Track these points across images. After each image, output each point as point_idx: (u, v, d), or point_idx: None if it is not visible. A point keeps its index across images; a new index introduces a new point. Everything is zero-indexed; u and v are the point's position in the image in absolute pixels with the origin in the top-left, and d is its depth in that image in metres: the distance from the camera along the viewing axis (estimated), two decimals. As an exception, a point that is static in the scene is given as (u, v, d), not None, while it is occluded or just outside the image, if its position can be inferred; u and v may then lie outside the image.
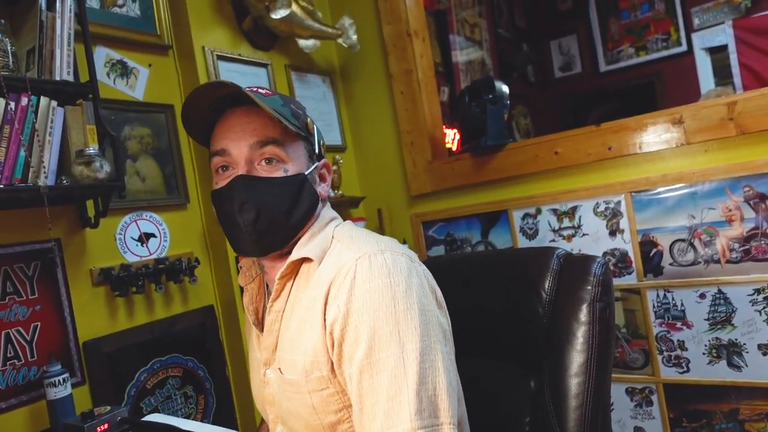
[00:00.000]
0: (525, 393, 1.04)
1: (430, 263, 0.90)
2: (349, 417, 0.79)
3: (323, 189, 0.91)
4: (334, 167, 2.12)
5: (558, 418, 0.97)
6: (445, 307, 0.84)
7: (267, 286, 0.96)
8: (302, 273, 0.86)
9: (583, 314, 0.99)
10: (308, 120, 0.89)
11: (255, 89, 0.85)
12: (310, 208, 0.87)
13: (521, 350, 1.07)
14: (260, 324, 0.94)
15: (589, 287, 0.99)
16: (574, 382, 0.96)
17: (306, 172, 0.86)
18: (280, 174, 0.83)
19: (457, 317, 0.91)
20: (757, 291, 1.57)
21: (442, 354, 0.74)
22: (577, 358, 0.97)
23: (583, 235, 1.84)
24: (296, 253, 0.85)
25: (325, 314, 0.77)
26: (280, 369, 0.85)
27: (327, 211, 0.92)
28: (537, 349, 1.04)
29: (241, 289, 0.99)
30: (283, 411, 0.87)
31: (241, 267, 0.97)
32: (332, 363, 0.77)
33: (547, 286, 1.03)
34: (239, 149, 0.83)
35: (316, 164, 0.89)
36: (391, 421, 0.68)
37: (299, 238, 0.87)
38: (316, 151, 0.90)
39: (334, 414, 0.79)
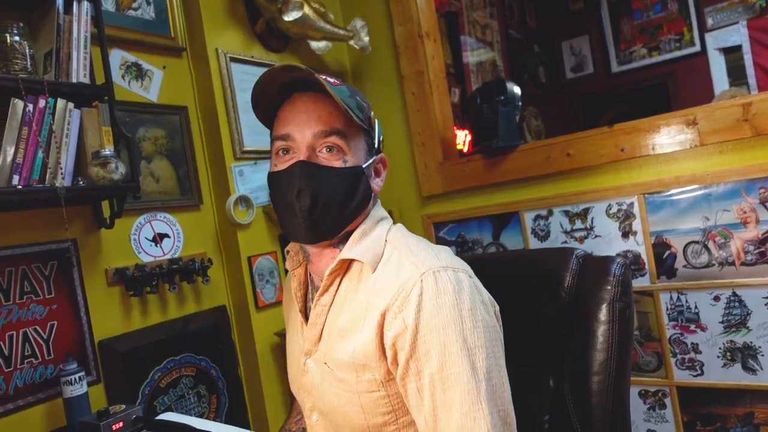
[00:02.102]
0: (544, 392, 1.04)
1: None
2: (396, 420, 0.81)
3: (377, 184, 0.92)
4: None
5: (579, 417, 0.99)
6: (500, 316, 0.85)
7: (309, 275, 0.96)
8: (353, 272, 0.87)
9: (603, 314, 1.00)
10: (371, 114, 0.90)
11: (324, 77, 0.84)
12: (364, 201, 0.87)
13: (540, 349, 1.07)
14: (304, 312, 0.95)
15: (609, 287, 1.00)
16: (595, 380, 0.98)
17: (364, 165, 0.87)
18: (339, 164, 0.84)
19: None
20: (773, 294, 1.56)
21: (504, 369, 0.78)
22: (597, 357, 0.98)
23: (596, 236, 1.83)
24: (347, 253, 0.85)
25: (383, 325, 0.78)
26: (326, 363, 0.86)
27: (378, 209, 0.92)
28: (556, 348, 1.05)
29: (286, 272, 1.02)
30: (325, 404, 0.88)
31: (288, 252, 0.97)
32: (385, 369, 0.79)
33: (566, 286, 1.04)
34: (303, 135, 0.83)
35: (373, 158, 0.90)
36: None
37: (350, 230, 0.87)
38: (376, 145, 0.90)
39: (382, 416, 0.81)
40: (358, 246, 0.86)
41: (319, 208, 0.83)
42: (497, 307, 0.83)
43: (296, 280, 0.95)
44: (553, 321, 1.05)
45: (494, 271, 0.89)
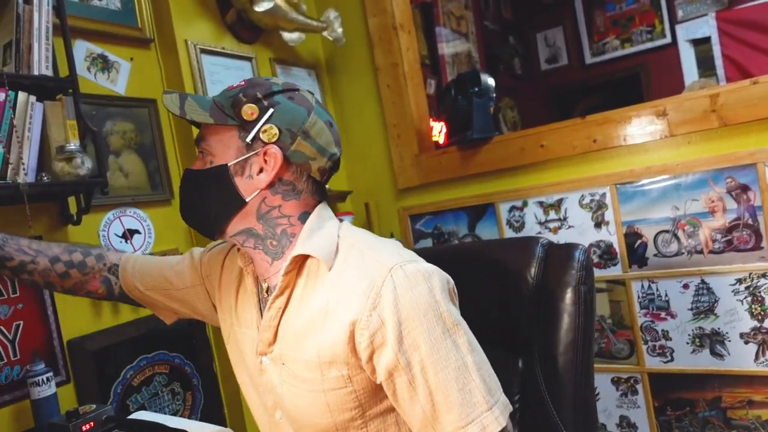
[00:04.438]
0: (514, 372, 1.09)
1: (421, 255, 0.91)
2: (363, 414, 0.82)
3: (257, 181, 0.84)
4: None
5: (550, 394, 1.05)
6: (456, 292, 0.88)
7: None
8: (310, 270, 0.85)
9: (569, 297, 1.06)
10: (248, 106, 0.82)
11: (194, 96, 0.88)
12: (231, 199, 0.84)
13: (509, 333, 1.12)
14: (259, 308, 0.93)
15: (574, 271, 1.06)
16: (564, 359, 1.04)
17: (230, 163, 0.84)
18: (199, 166, 0.87)
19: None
20: (739, 281, 1.60)
21: (474, 339, 0.82)
22: (565, 337, 1.05)
23: (569, 227, 1.85)
24: (300, 249, 0.84)
25: (355, 323, 0.78)
26: (284, 364, 0.85)
27: (321, 209, 0.89)
28: (524, 331, 1.10)
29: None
30: (286, 405, 0.87)
31: (239, 249, 0.94)
32: (354, 365, 0.80)
33: (533, 272, 1.09)
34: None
35: (247, 155, 0.83)
36: (468, 408, 0.76)
37: (240, 229, 0.87)
38: (252, 139, 0.83)
39: (349, 412, 0.82)
40: (309, 242, 0.84)
41: (183, 210, 0.90)
42: (453, 283, 0.86)
43: (251, 277, 0.93)
44: (522, 305, 1.10)
45: (464, 260, 0.93)
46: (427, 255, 0.95)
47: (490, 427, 0.75)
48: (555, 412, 1.03)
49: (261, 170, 0.84)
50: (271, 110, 0.83)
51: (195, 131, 1.74)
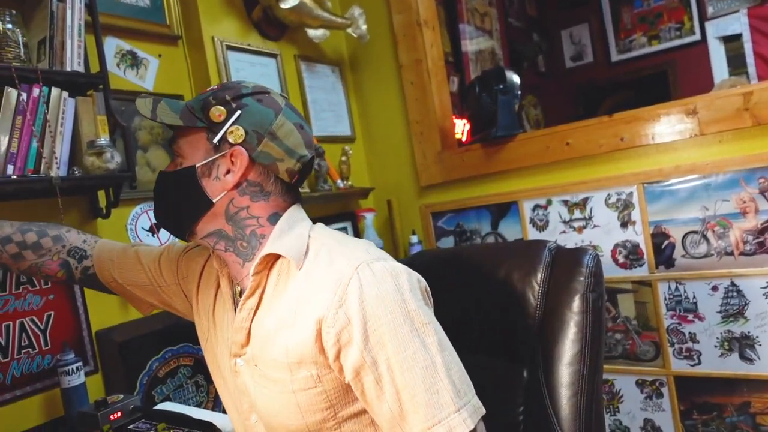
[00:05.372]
0: (518, 383, 1.05)
1: (424, 257, 0.90)
2: (335, 415, 0.81)
3: (223, 181, 0.84)
4: (343, 158, 2.11)
5: (553, 406, 1.00)
6: (430, 293, 0.86)
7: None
8: (281, 270, 0.85)
9: (577, 305, 1.01)
10: (216, 108, 0.83)
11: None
12: (199, 200, 0.85)
13: (513, 342, 1.08)
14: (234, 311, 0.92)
15: (582, 278, 1.02)
16: (569, 371, 1.00)
17: (198, 164, 0.84)
18: (170, 168, 0.88)
19: (449, 311, 0.91)
20: (771, 283, 1.56)
21: (446, 340, 0.80)
22: (571, 347, 1.00)
23: (594, 226, 1.83)
24: (270, 248, 0.83)
25: (321, 321, 0.77)
26: (256, 365, 0.85)
27: (293, 210, 0.89)
28: (529, 339, 1.06)
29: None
30: (259, 407, 0.86)
31: (213, 252, 0.94)
32: (322, 364, 0.79)
33: (539, 278, 1.05)
34: None
35: (217, 155, 0.84)
36: (435, 409, 0.74)
37: (209, 231, 0.87)
38: (227, 140, 0.83)
39: (321, 412, 0.81)
40: (279, 243, 0.84)
41: (156, 211, 0.92)
42: (425, 283, 0.84)
43: (226, 279, 0.93)
44: (527, 313, 1.06)
45: (467, 264, 0.90)
46: (429, 258, 0.94)
47: (457, 429, 0.74)
48: (558, 426, 0.99)
49: (228, 171, 0.84)
50: (238, 112, 0.83)
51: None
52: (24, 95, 1.20)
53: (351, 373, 0.77)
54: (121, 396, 1.22)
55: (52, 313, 1.36)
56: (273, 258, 0.84)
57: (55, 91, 1.26)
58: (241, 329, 0.86)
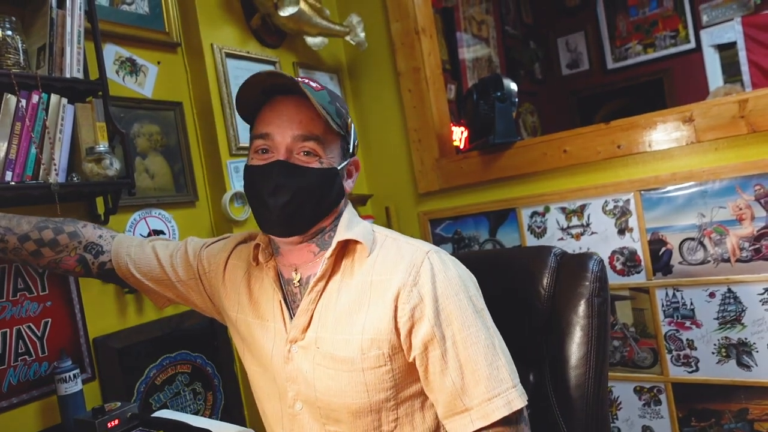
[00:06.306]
0: (525, 385, 1.07)
1: None
2: (396, 395, 0.86)
3: (348, 185, 0.96)
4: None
5: (561, 409, 1.03)
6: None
7: (279, 271, 0.97)
8: (348, 256, 0.92)
9: (582, 309, 1.04)
10: (349, 120, 0.95)
11: (307, 81, 0.89)
12: (336, 199, 0.92)
13: (519, 345, 1.09)
14: (285, 301, 0.96)
15: (587, 283, 1.04)
16: (576, 374, 1.02)
17: (339, 167, 0.91)
18: (315, 165, 0.89)
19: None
20: (768, 290, 1.57)
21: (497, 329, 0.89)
22: (577, 350, 1.03)
23: (592, 233, 1.83)
24: (345, 234, 0.90)
25: (397, 299, 0.84)
26: (319, 348, 0.88)
27: (350, 208, 0.98)
28: (535, 344, 1.08)
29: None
30: (315, 389, 0.89)
31: (258, 245, 0.98)
32: (393, 344, 0.85)
33: (545, 283, 1.08)
34: (283, 137, 0.87)
35: (347, 161, 0.94)
36: (495, 382, 0.82)
37: (322, 227, 0.92)
38: (350, 150, 0.95)
39: (385, 392, 0.86)
40: (350, 230, 0.91)
41: (294, 205, 0.87)
42: (475, 278, 0.93)
43: (273, 271, 0.97)
44: (533, 317, 1.08)
45: (474, 269, 0.92)
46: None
47: (514, 402, 0.81)
48: (566, 429, 1.01)
49: (350, 176, 0.97)
50: (353, 125, 0.97)
51: (221, 134, 1.75)
52: (23, 101, 1.20)
53: (419, 348, 0.84)
54: (119, 403, 1.22)
55: (49, 320, 1.35)
56: (344, 243, 0.91)
57: (54, 97, 1.26)
58: (306, 311, 0.91)
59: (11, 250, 0.99)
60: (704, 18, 4.01)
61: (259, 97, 0.91)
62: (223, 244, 1.07)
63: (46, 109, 1.24)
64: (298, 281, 0.94)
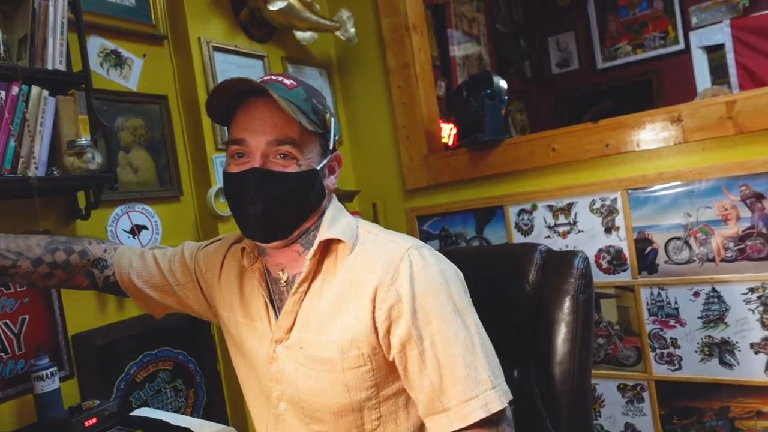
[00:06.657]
0: (509, 382, 1.10)
1: None
2: (377, 394, 0.86)
3: (330, 182, 0.93)
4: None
5: (545, 404, 1.04)
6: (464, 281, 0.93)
7: (267, 269, 0.96)
8: (331, 255, 0.90)
9: (567, 305, 1.05)
10: (327, 116, 0.90)
11: (280, 80, 0.87)
12: (317, 200, 0.90)
13: (504, 342, 1.09)
14: (271, 302, 0.95)
15: (572, 280, 1.06)
16: (560, 369, 1.04)
17: (318, 167, 0.88)
18: (293, 169, 0.86)
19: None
20: (751, 290, 1.57)
21: (482, 327, 0.87)
22: (562, 346, 1.04)
23: (579, 231, 1.84)
24: (327, 233, 0.88)
25: (375, 299, 0.83)
26: (302, 348, 0.88)
27: (335, 203, 0.95)
28: (520, 340, 1.09)
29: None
30: (298, 389, 0.88)
31: (244, 249, 0.97)
32: (372, 343, 0.83)
33: (531, 280, 1.09)
34: (257, 142, 0.85)
35: (327, 158, 0.91)
36: (473, 384, 0.80)
37: (305, 228, 0.90)
38: (330, 146, 0.92)
39: (366, 391, 0.85)
40: (333, 229, 0.89)
41: (272, 212, 0.85)
42: (462, 275, 0.91)
43: (258, 274, 0.96)
44: (518, 314, 1.09)
45: (460, 266, 0.92)
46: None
47: (492, 404, 0.79)
48: (550, 423, 1.02)
49: (332, 173, 0.93)
50: (333, 119, 0.92)
51: (207, 128, 1.73)
52: (2, 93, 1.17)
53: (397, 347, 0.82)
54: (97, 402, 1.20)
55: (27, 316, 1.33)
56: (325, 243, 0.89)
57: (35, 89, 1.23)
58: (290, 312, 0.90)
59: (22, 275, 0.97)
60: (693, 20, 4.03)
61: (231, 101, 0.88)
62: (218, 245, 1.06)
63: (27, 101, 1.22)
64: (285, 281, 0.93)
